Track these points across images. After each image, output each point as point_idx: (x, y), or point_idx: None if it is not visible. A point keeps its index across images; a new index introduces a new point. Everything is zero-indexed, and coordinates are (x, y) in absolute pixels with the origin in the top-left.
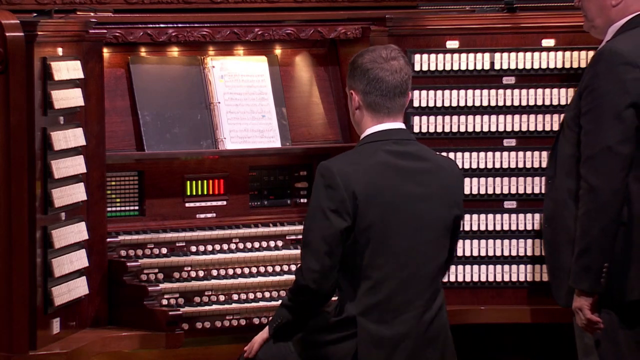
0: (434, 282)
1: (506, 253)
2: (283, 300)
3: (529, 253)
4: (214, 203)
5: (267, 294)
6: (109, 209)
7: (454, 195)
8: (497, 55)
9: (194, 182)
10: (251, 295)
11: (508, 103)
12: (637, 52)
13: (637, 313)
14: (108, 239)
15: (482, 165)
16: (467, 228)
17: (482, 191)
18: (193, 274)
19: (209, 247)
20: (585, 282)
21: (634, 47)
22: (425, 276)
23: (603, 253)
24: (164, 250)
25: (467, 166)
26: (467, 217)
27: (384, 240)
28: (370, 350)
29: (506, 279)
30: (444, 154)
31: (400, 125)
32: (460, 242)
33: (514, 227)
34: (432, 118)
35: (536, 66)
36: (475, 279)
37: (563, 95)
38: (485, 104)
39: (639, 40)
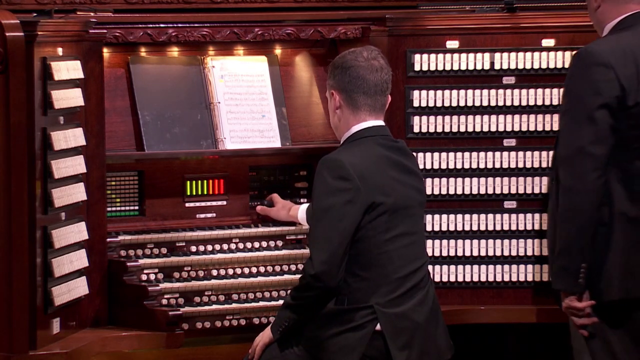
0: (426, 261)
1: (506, 253)
2: (285, 302)
3: (529, 253)
4: (214, 203)
5: (267, 294)
6: (109, 209)
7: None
8: (497, 55)
9: (194, 182)
10: (251, 295)
11: (508, 103)
12: (614, 53)
13: (619, 312)
14: (108, 239)
15: (482, 165)
16: (467, 228)
17: (482, 191)
18: (193, 274)
19: (209, 247)
20: (563, 283)
21: (611, 48)
22: (423, 257)
23: (580, 253)
24: (164, 250)
25: (467, 166)
26: (467, 217)
27: (394, 228)
28: (397, 333)
29: (506, 278)
30: (444, 154)
31: (383, 122)
32: (460, 242)
33: (514, 227)
34: (432, 118)
35: (536, 66)
36: (475, 279)
37: None
38: (485, 104)
39: (621, 41)
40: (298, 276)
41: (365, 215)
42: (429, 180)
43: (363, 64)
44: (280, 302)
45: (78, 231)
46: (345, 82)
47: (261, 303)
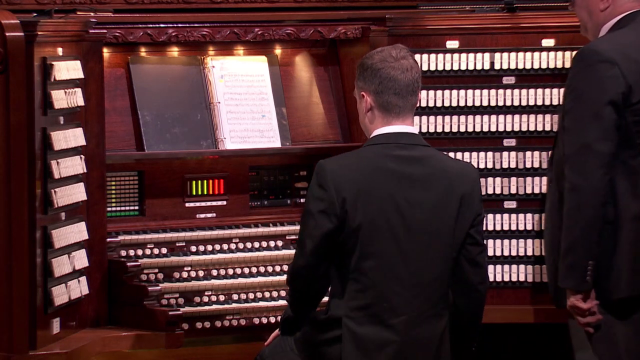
0: (430, 291)
1: (506, 253)
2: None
3: (529, 253)
4: (214, 203)
5: (267, 294)
6: (109, 209)
7: (463, 203)
8: (497, 55)
9: (194, 182)
10: (251, 295)
11: (508, 103)
12: (617, 50)
13: (627, 310)
14: (108, 239)
15: (482, 165)
16: None
17: (482, 191)
18: (193, 274)
19: (209, 247)
20: (571, 281)
21: (614, 45)
22: (418, 284)
23: (586, 251)
24: (164, 250)
25: None
26: None
27: (372, 244)
28: (353, 352)
29: (506, 279)
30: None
31: (408, 128)
32: None
33: (514, 227)
34: (432, 118)
35: (536, 66)
36: None
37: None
38: (485, 104)
39: (622, 39)
40: None
41: (342, 229)
42: None
43: (393, 64)
44: (280, 302)
45: (78, 231)
46: (375, 84)
47: (261, 303)
